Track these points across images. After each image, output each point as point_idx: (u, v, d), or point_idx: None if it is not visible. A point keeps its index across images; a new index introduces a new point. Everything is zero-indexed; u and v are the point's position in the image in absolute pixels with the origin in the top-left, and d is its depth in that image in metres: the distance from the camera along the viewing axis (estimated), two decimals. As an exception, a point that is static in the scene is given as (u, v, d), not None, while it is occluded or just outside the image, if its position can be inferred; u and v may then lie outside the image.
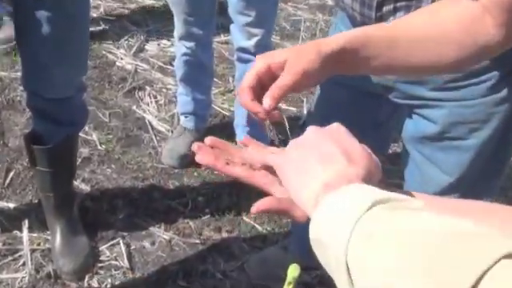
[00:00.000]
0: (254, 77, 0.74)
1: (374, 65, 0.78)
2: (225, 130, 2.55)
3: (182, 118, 2.51)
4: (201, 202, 2.30)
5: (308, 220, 0.61)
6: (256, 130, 2.36)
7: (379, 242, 0.47)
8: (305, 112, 2.81)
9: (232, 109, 2.69)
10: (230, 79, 2.94)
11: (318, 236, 0.55)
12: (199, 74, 2.39)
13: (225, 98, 2.86)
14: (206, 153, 0.73)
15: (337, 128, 0.65)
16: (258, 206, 0.67)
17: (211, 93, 2.56)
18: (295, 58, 0.74)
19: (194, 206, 2.27)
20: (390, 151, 2.39)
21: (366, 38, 0.75)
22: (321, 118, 1.42)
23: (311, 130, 0.66)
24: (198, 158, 0.72)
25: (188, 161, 2.42)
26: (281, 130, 2.68)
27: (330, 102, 1.40)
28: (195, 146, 0.73)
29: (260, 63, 0.75)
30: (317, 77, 0.75)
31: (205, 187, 2.35)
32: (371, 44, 0.75)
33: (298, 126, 2.67)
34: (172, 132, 2.58)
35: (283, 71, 0.73)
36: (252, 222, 2.22)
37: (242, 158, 0.73)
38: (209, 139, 0.75)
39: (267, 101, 0.72)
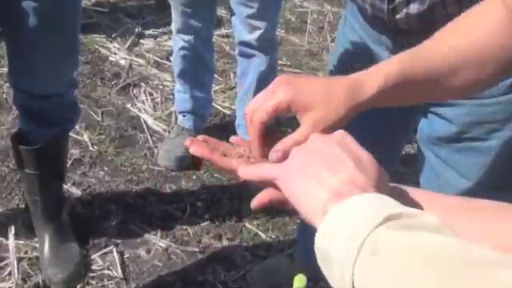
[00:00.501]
0: (271, 112, 0.69)
1: (411, 99, 0.78)
2: (225, 130, 2.56)
3: (180, 117, 2.51)
4: (200, 207, 2.30)
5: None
6: None
7: (389, 264, 0.47)
8: None
9: (233, 107, 2.68)
10: (232, 75, 2.94)
11: (323, 247, 0.55)
12: (198, 69, 2.39)
13: (226, 95, 2.86)
14: (200, 145, 0.73)
15: (342, 135, 0.64)
16: (259, 198, 0.67)
17: (211, 90, 2.56)
18: (322, 111, 0.69)
19: (192, 211, 2.28)
20: (404, 152, 2.37)
21: (402, 77, 0.72)
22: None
23: (315, 136, 0.65)
24: (192, 150, 0.72)
25: (186, 163, 2.43)
26: (284, 131, 2.70)
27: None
28: (188, 141, 0.73)
29: (283, 95, 0.69)
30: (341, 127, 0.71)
31: (204, 191, 2.36)
32: (408, 83, 0.72)
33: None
34: (169, 132, 2.58)
35: (304, 118, 0.69)
36: (255, 229, 2.22)
37: (239, 153, 0.73)
38: (202, 136, 0.76)
39: (277, 155, 0.68)
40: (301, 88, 0.70)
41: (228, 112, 2.76)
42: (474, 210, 0.62)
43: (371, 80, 0.71)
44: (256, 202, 0.67)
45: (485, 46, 0.74)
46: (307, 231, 1.42)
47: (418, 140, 1.34)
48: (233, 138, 0.77)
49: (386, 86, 0.71)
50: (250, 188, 2.28)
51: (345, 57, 1.37)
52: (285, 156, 0.67)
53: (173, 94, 2.64)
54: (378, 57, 1.24)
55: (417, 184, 1.46)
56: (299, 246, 1.93)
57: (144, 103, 2.75)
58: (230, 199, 2.32)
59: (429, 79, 0.73)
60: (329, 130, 0.67)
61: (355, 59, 1.33)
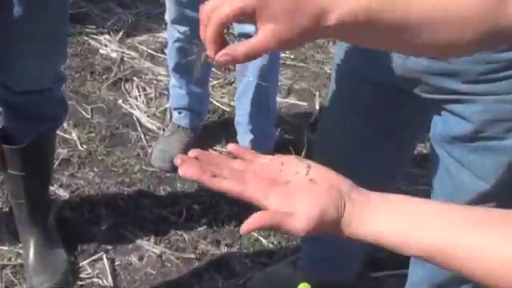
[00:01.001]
0: (233, 14, 0.72)
1: (370, 42, 0.78)
2: (224, 129, 2.56)
3: (176, 114, 2.51)
4: (196, 211, 2.30)
5: (314, 232, 0.69)
6: (261, 128, 2.38)
7: None
8: (317, 107, 2.83)
9: (233, 104, 2.67)
10: (231, 69, 2.95)
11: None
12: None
13: (224, 91, 2.86)
14: (190, 165, 0.75)
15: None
16: (248, 225, 0.70)
17: (209, 85, 2.56)
18: (284, 25, 0.71)
19: (188, 215, 2.28)
20: (416, 152, 2.36)
21: (366, 17, 0.72)
22: (337, 117, 1.41)
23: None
24: (181, 171, 0.74)
25: None
26: (288, 130, 2.67)
27: (348, 100, 1.38)
28: (178, 160, 0.75)
29: (236, 3, 0.71)
30: (299, 44, 0.74)
31: (201, 194, 2.36)
32: (372, 25, 0.72)
33: (308, 124, 2.71)
34: (163, 130, 2.59)
35: (264, 27, 0.71)
36: (255, 235, 2.23)
37: (232, 171, 0.75)
38: (193, 151, 0.77)
39: (226, 58, 0.72)
40: None
41: (227, 109, 2.76)
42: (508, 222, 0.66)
43: (336, 10, 0.71)
44: (245, 229, 0.70)
45: (475, 4, 0.73)
46: (313, 237, 1.39)
47: (430, 139, 1.34)
48: (229, 147, 0.79)
49: (347, 21, 0.71)
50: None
51: (351, 49, 1.37)
52: (234, 60, 0.72)
53: (167, 90, 2.64)
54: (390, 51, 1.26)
55: (429, 186, 1.45)
56: (304, 252, 1.93)
57: (137, 99, 2.76)
58: (228, 202, 2.31)
59: (396, 28, 0.72)
60: (283, 43, 0.70)
61: (363, 52, 1.32)
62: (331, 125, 1.46)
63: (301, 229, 0.71)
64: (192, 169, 0.74)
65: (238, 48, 0.72)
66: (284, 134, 2.64)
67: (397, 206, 0.72)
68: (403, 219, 0.70)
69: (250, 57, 0.71)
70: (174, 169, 2.31)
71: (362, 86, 1.30)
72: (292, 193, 0.73)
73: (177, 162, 0.75)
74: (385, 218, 0.71)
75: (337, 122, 1.39)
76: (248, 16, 0.71)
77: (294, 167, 0.76)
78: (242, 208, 2.26)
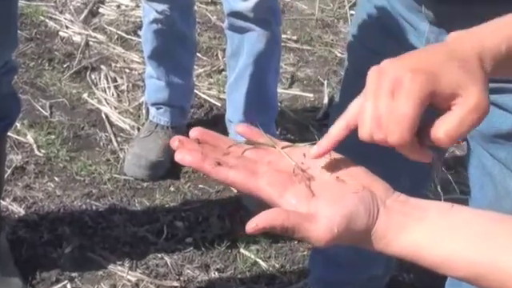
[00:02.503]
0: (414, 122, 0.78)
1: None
2: (212, 128, 2.50)
3: (153, 110, 2.52)
4: (180, 229, 2.31)
5: (337, 242, 0.72)
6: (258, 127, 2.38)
7: None
8: (325, 100, 2.83)
9: (222, 97, 2.69)
10: (220, 54, 2.96)
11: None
12: (176, 47, 2.40)
13: (212, 80, 2.87)
14: (190, 150, 0.77)
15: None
16: (258, 221, 0.71)
17: (193, 74, 2.57)
18: (471, 93, 0.78)
19: (170, 234, 2.29)
20: (447, 155, 2.37)
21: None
22: None
23: None
24: (178, 157, 0.76)
25: (162, 171, 2.45)
26: (290, 128, 2.61)
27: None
28: (175, 141, 0.77)
29: (420, 89, 0.78)
30: None
31: (185, 207, 2.37)
32: None
33: (315, 121, 2.76)
34: (138, 130, 2.60)
35: (455, 108, 0.78)
36: (253, 257, 2.24)
37: (242, 159, 0.78)
38: (196, 131, 0.79)
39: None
40: (436, 72, 0.77)
41: (216, 103, 2.76)
42: None
43: (486, 52, 0.80)
44: (253, 226, 0.72)
45: None
46: (323, 258, 1.48)
47: (467, 138, 1.34)
48: (239, 128, 0.83)
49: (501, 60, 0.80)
50: (247, 202, 2.34)
51: (370, 28, 1.38)
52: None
53: (143, 80, 2.66)
54: (414, 28, 1.27)
55: (465, 195, 1.46)
56: (313, 276, 1.92)
57: (105, 92, 2.76)
58: (219, 218, 2.33)
59: None
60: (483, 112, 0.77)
61: (384, 31, 1.34)
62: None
63: (322, 236, 0.72)
64: (192, 154, 0.76)
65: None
66: (286, 133, 2.66)
67: (442, 217, 0.74)
68: (451, 234, 0.72)
69: None
70: (152, 177, 2.44)
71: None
72: (314, 192, 0.75)
73: (173, 144, 0.77)
74: (428, 231, 0.73)
75: None
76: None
77: (318, 161, 0.79)
78: (236, 225, 2.29)
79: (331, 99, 2.82)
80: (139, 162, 2.44)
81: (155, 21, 2.35)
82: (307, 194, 0.75)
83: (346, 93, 1.49)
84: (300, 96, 2.87)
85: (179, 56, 2.43)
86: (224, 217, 2.34)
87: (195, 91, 2.65)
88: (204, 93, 2.79)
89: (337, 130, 0.79)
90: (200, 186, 2.44)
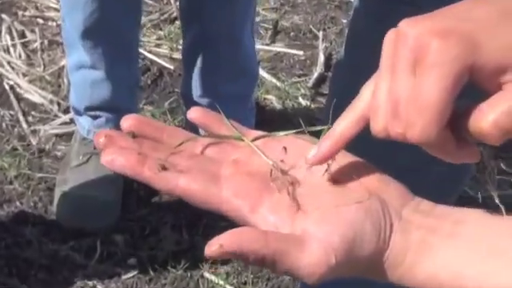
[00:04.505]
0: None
1: None
2: (163, 101, 2.65)
3: (86, 121, 2.46)
4: (119, 246, 2.30)
5: (336, 275, 0.72)
6: (228, 100, 2.34)
7: None
8: (321, 59, 2.84)
9: (177, 56, 2.72)
10: (172, -1, 2.98)
11: None
12: (115, 8, 2.33)
13: (162, 33, 2.90)
14: (121, 149, 0.78)
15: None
16: (225, 242, 0.71)
17: (140, 34, 2.56)
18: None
19: (105, 252, 2.28)
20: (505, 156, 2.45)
21: None
22: (359, 80, 1.33)
23: None
24: (105, 159, 0.77)
25: (115, 214, 2.39)
26: (272, 102, 2.59)
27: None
28: (101, 137, 0.79)
29: (456, 60, 0.76)
30: None
31: (127, 215, 2.37)
32: None
33: (306, 89, 2.78)
34: (59, 106, 2.63)
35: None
36: (222, 283, 2.24)
37: (197, 159, 0.80)
38: (129, 119, 0.81)
39: None
40: (479, 36, 0.76)
41: (167, 65, 2.80)
42: None
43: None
44: (215, 247, 0.71)
45: None
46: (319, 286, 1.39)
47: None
48: (191, 113, 0.84)
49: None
50: (209, 211, 2.40)
51: None
52: None
53: (65, 71, 2.65)
54: None
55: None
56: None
57: (9, 52, 2.76)
58: (174, 228, 2.33)
59: None
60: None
61: None
62: (349, 91, 1.40)
63: (314, 268, 0.72)
64: (124, 155, 0.77)
65: None
66: (266, 108, 2.67)
67: (486, 232, 0.74)
68: (500, 259, 0.72)
69: None
70: (101, 225, 2.34)
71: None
72: (300, 203, 0.76)
73: (98, 141, 0.79)
74: (466, 254, 0.73)
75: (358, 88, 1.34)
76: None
77: (303, 157, 0.80)
78: (198, 238, 2.30)
79: (329, 58, 2.85)
80: (78, 207, 2.37)
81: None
82: (290, 206, 0.75)
83: (351, 49, 1.52)
84: (285, 54, 2.88)
85: (122, 24, 2.38)
86: (181, 227, 2.34)
87: (139, 50, 2.63)
88: (150, 51, 2.81)
89: (344, 126, 0.79)
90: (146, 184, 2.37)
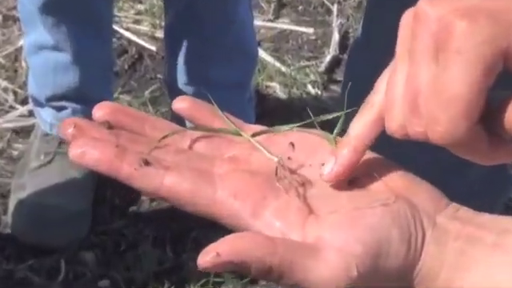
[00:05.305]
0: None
1: None
2: (143, 88, 2.66)
3: (48, 113, 2.42)
4: (89, 265, 2.26)
5: None
6: (220, 89, 2.27)
7: None
8: (335, 38, 2.84)
9: (159, 35, 2.73)
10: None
11: None
12: None
13: (141, 7, 2.91)
14: (95, 140, 0.78)
15: None
16: (222, 250, 0.71)
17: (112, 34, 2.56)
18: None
19: (72, 272, 2.23)
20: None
21: None
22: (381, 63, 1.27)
23: None
24: (74, 153, 0.76)
25: (85, 227, 2.33)
26: (275, 90, 2.73)
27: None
28: (70, 126, 0.78)
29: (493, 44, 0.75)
30: None
31: (99, 227, 2.33)
32: None
33: (314, 72, 2.76)
34: (15, 96, 2.65)
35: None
36: None
37: (186, 155, 0.81)
38: (103, 107, 0.81)
39: None
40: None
41: (148, 46, 2.79)
42: None
43: None
44: (211, 256, 0.70)
45: None
46: None
47: None
48: (177, 103, 0.84)
49: None
50: (200, 221, 2.36)
51: None
52: None
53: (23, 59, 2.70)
54: None
55: None
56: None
57: None
58: (156, 243, 2.30)
59: None
60: None
61: None
62: (368, 78, 1.25)
63: (331, 281, 0.71)
64: (99, 147, 0.77)
65: None
66: (268, 98, 2.64)
67: None
68: None
69: None
70: (66, 242, 2.31)
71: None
72: (312, 206, 0.75)
73: (65, 131, 0.78)
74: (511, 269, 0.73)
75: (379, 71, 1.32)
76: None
77: (317, 154, 0.81)
78: (185, 254, 2.29)
79: (344, 37, 2.85)
80: (38, 219, 2.31)
81: None
82: (300, 209, 0.75)
83: (375, 48, 1.52)
84: (291, 32, 2.87)
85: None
86: (164, 242, 2.31)
87: (115, 27, 2.64)
88: (128, 29, 2.81)
89: (360, 129, 0.80)
90: (123, 189, 2.37)
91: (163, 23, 2.63)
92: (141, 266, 2.27)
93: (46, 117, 2.41)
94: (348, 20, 2.89)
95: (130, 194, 2.43)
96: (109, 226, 2.35)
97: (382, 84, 0.79)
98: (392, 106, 0.77)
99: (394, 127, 0.77)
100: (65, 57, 2.33)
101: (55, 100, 2.37)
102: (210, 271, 0.74)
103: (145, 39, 2.80)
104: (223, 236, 0.72)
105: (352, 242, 0.72)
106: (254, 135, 0.82)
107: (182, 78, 2.39)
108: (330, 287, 0.72)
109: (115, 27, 2.68)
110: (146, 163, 0.76)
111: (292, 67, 2.77)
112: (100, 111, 0.81)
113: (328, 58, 2.76)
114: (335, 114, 0.84)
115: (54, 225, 2.30)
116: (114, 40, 2.68)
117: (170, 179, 0.76)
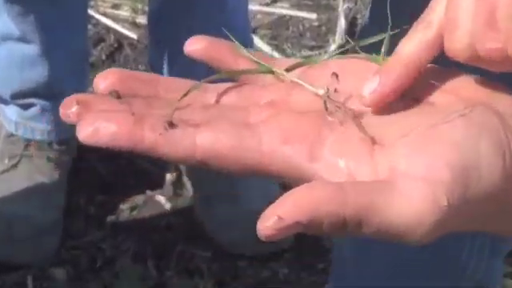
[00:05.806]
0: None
1: None
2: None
3: (13, 111, 2.42)
4: (59, 283, 2.31)
5: (442, 232, 0.71)
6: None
7: None
8: (341, 25, 2.88)
9: (142, 21, 2.78)
10: None
11: None
12: None
13: None
14: (108, 112, 0.76)
15: None
16: (283, 211, 0.67)
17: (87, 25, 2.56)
18: None
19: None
20: None
21: None
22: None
23: None
24: (85, 133, 0.73)
25: (54, 241, 2.34)
26: None
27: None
28: (72, 105, 0.75)
29: None
30: None
31: (71, 242, 2.35)
32: None
33: (322, 34, 2.88)
34: None
35: None
36: None
37: (216, 109, 0.81)
38: (110, 74, 0.80)
39: None
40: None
41: (129, 34, 2.82)
42: None
43: None
44: (272, 221, 0.66)
45: None
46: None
47: None
48: (193, 43, 0.85)
49: None
50: (185, 233, 2.22)
51: None
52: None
53: None
54: None
55: None
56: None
57: None
58: (136, 258, 2.32)
59: None
60: None
61: None
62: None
63: (419, 216, 0.68)
64: (114, 119, 0.74)
65: None
66: None
67: None
68: None
69: None
70: (32, 258, 2.34)
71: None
72: (375, 136, 0.73)
73: (67, 110, 0.75)
74: None
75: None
76: None
77: (366, 81, 0.80)
78: (171, 271, 2.31)
79: (352, 24, 2.91)
80: (2, 231, 2.33)
81: None
82: (362, 140, 0.72)
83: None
84: (292, 18, 2.93)
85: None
86: (145, 257, 2.31)
87: (90, 13, 2.66)
88: (105, 14, 2.85)
89: (415, 47, 0.78)
90: (99, 196, 2.45)
91: (146, 8, 2.65)
92: (119, 284, 2.30)
93: (10, 115, 2.41)
94: (356, 4, 2.94)
95: (108, 201, 2.46)
96: (82, 239, 2.37)
97: (438, 3, 0.77)
98: (456, 24, 0.75)
99: (458, 48, 0.75)
100: (32, 49, 2.34)
101: (21, 97, 2.39)
102: (274, 239, 0.66)
103: (125, 26, 2.84)
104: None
105: (435, 166, 0.70)
106: (287, 70, 0.80)
107: (167, 68, 2.39)
108: (418, 225, 0.69)
109: (91, 12, 2.71)
110: (171, 125, 0.73)
111: (293, 57, 2.75)
112: (105, 81, 0.79)
113: (333, 47, 2.79)
114: (379, 37, 0.82)
115: (19, 238, 2.33)
116: (90, 27, 2.71)
117: (204, 137, 0.73)
